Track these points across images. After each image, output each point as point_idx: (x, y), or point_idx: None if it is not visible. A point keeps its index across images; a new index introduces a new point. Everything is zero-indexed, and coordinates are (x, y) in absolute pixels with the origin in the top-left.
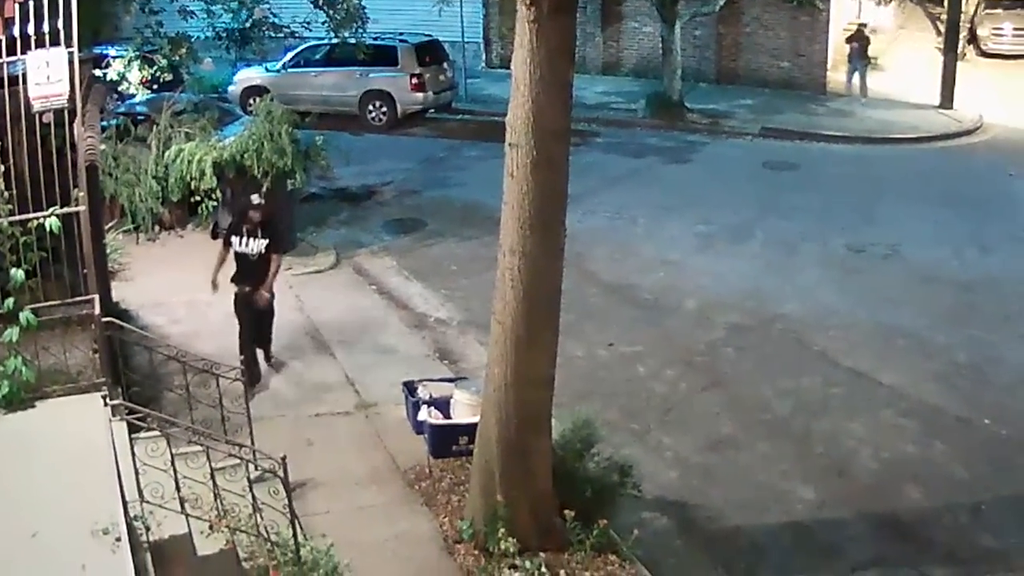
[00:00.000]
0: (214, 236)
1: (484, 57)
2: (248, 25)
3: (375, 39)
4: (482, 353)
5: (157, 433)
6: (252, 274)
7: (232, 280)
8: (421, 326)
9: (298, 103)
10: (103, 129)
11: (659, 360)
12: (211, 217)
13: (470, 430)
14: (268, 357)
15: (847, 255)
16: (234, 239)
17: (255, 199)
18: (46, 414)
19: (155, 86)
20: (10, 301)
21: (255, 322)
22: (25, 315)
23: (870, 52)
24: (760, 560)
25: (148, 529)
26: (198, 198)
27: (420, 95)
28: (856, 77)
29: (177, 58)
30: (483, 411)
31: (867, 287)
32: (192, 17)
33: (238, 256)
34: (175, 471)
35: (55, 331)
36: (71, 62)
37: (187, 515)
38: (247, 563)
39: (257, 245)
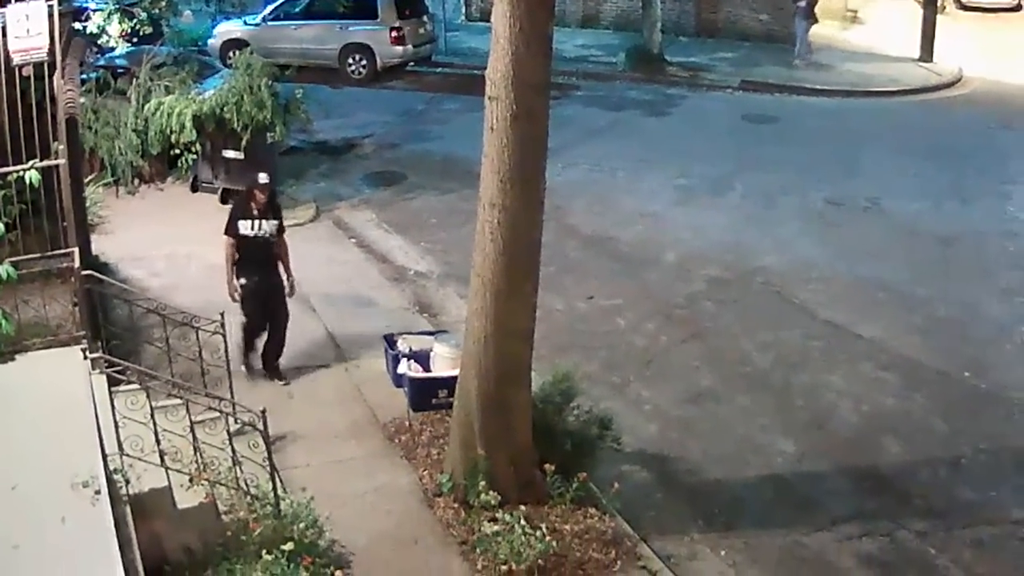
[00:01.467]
0: (194, 189)
1: (464, 10)
2: None
3: None
4: (462, 306)
5: (137, 386)
6: (264, 261)
7: (239, 271)
8: (401, 279)
9: (278, 56)
10: (83, 82)
11: (639, 313)
12: (191, 170)
13: (450, 383)
14: (276, 368)
15: (827, 208)
16: (242, 224)
17: (262, 178)
18: (25, 367)
19: (135, 39)
20: None
21: (268, 318)
22: (4, 268)
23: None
24: (740, 513)
25: (128, 482)
26: (178, 151)
27: (400, 48)
28: (801, 32)
29: (157, 11)
30: (463, 364)
31: (847, 240)
32: None
33: (247, 243)
34: (155, 424)
35: (34, 284)
36: (51, 15)
37: (167, 468)
38: (227, 516)
39: (269, 227)
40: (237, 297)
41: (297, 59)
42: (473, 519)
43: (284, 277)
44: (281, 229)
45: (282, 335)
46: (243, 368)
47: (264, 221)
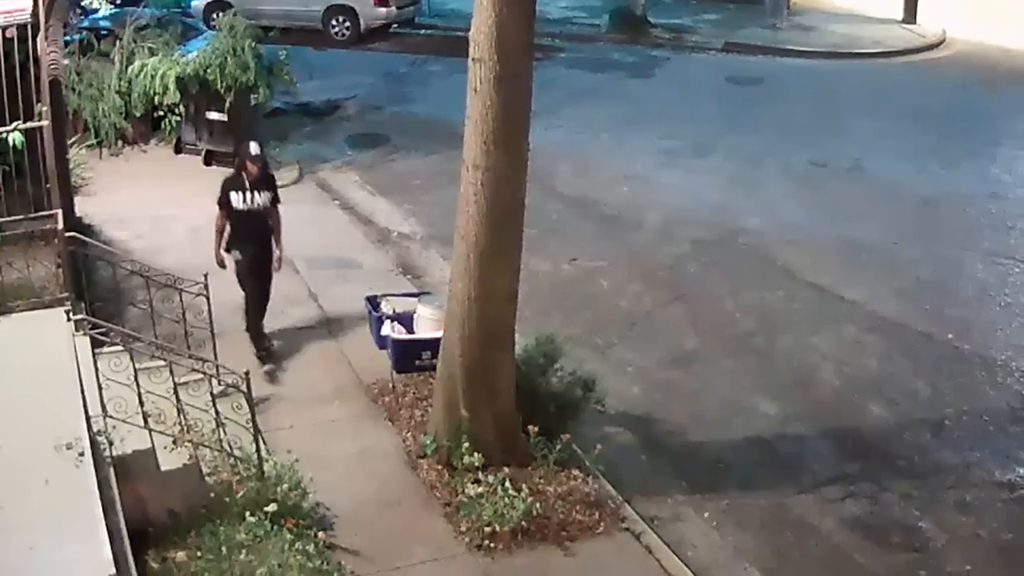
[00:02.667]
0: (177, 151)
1: None
2: None
3: None
4: (445, 268)
5: (120, 348)
6: (258, 234)
7: (230, 246)
8: (384, 241)
9: (261, 18)
10: (66, 44)
11: (622, 275)
12: (174, 132)
13: (433, 345)
14: (262, 341)
15: (810, 170)
16: (234, 196)
17: (253, 148)
18: (9, 329)
19: (118, 1)
20: None
21: (262, 290)
22: None
23: None
24: (723, 475)
25: (111, 444)
26: (161, 113)
27: (383, 10)
28: None
29: None
30: (446, 326)
31: (830, 202)
32: None
33: (240, 216)
34: (138, 386)
35: (18, 246)
36: None
37: (150, 430)
38: (210, 478)
39: (263, 198)
40: (227, 267)
41: (281, 21)
42: (457, 481)
43: (274, 250)
44: (276, 200)
45: (266, 301)
46: (258, 357)
47: (257, 193)
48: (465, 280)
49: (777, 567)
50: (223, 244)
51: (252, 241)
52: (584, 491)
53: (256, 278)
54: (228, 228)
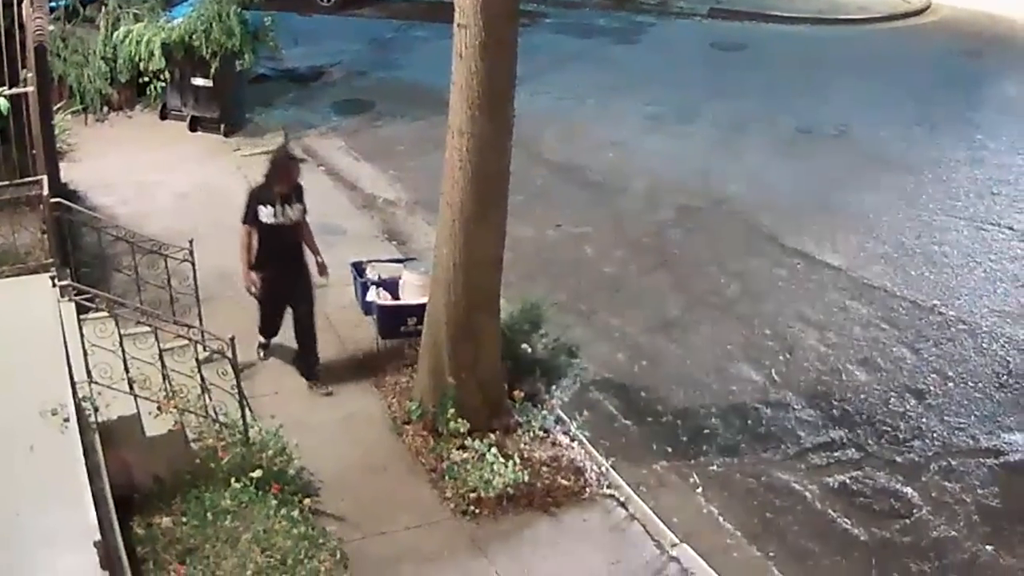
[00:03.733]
0: (163, 117)
1: None
2: None
3: None
4: (430, 234)
5: (105, 314)
6: (288, 250)
7: (258, 264)
8: (370, 206)
9: None
10: (51, 10)
11: (607, 241)
12: (160, 98)
13: (418, 311)
14: (313, 367)
15: (795, 136)
16: (264, 211)
17: (290, 156)
18: None
19: None
20: None
21: (306, 307)
22: None
23: None
24: (708, 442)
25: (96, 410)
26: (147, 79)
27: None
28: None
29: None
30: (432, 292)
31: (815, 168)
32: None
33: (269, 231)
34: (123, 352)
35: (3, 212)
36: None
37: (135, 396)
38: (195, 444)
39: (294, 212)
40: (255, 290)
41: None
42: (442, 447)
43: (315, 259)
44: (305, 211)
45: (310, 329)
46: (258, 351)
47: (287, 206)
48: (450, 246)
49: (761, 533)
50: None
51: (280, 258)
52: (569, 457)
53: (279, 297)
54: (255, 244)
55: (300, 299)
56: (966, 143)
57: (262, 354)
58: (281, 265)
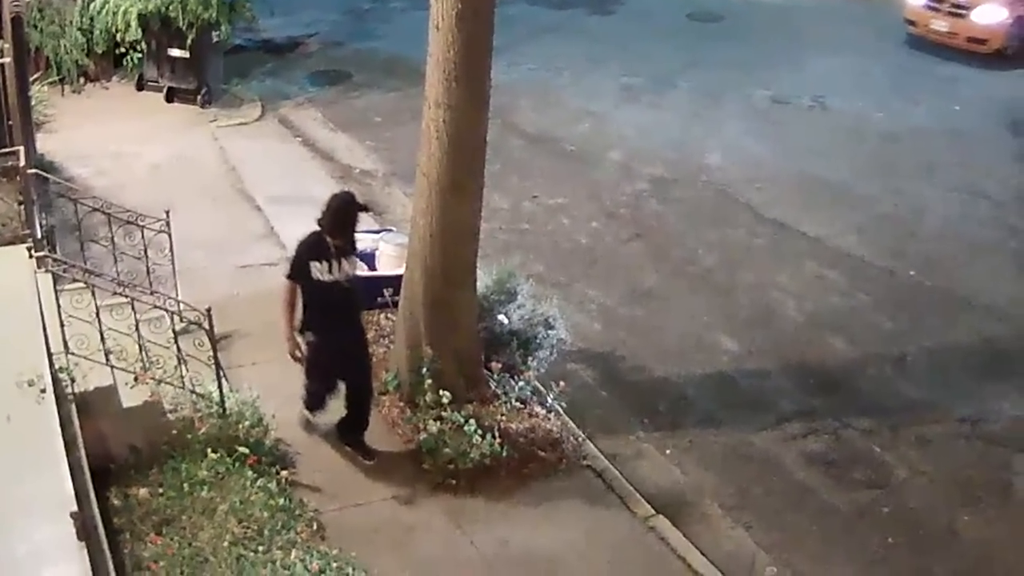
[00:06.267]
0: (139, 88)
1: None
2: None
3: None
4: (407, 205)
5: (82, 285)
6: (345, 310)
7: (309, 327)
8: (346, 177)
9: None
10: None
11: (584, 212)
12: (136, 69)
13: (395, 282)
14: (360, 442)
15: (771, 107)
16: (317, 267)
17: (348, 199)
18: None
19: None
20: None
21: (362, 380)
22: None
23: None
24: (685, 412)
25: (73, 381)
26: (123, 50)
27: None
28: None
29: None
30: (408, 263)
31: (791, 138)
32: None
33: (321, 288)
34: (100, 323)
35: None
36: None
37: (112, 367)
38: (172, 415)
39: (352, 265)
40: (300, 355)
41: None
42: (419, 417)
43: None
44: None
45: (365, 403)
46: (304, 419)
47: (344, 260)
48: (427, 217)
49: (739, 503)
50: (295, 323)
51: (335, 320)
52: (546, 428)
53: (331, 365)
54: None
55: (357, 371)
56: (942, 113)
57: (306, 425)
58: (336, 325)
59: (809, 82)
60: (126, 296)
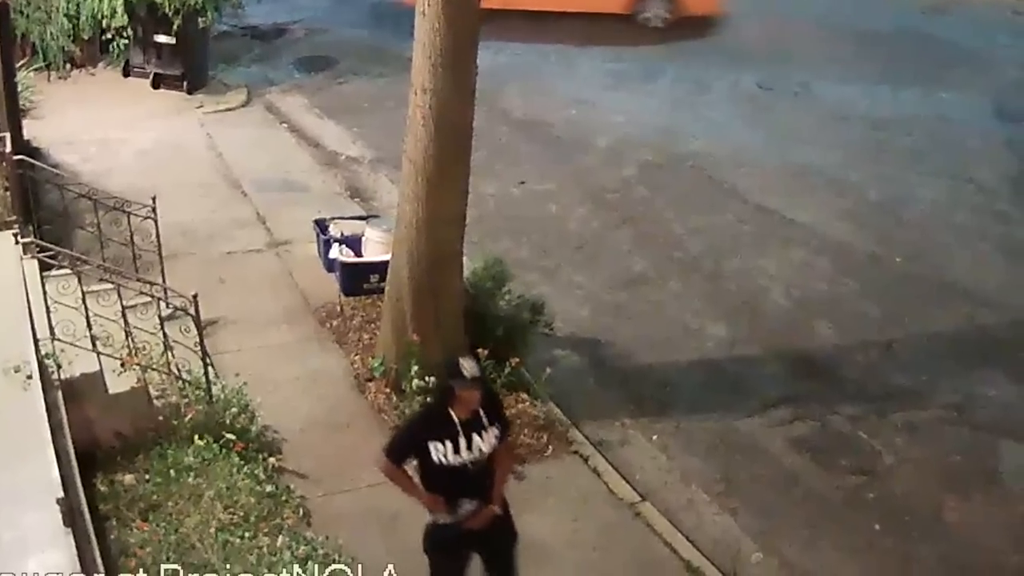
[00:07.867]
0: (125, 74)
1: None
2: None
3: None
4: (393, 191)
5: (68, 271)
6: (476, 490)
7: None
8: (332, 164)
9: None
10: None
11: (571, 198)
12: (123, 55)
13: (381, 268)
14: None
15: (758, 93)
16: (437, 448)
17: (469, 369)
18: None
19: None
20: None
21: (483, 558)
22: None
23: None
24: (671, 398)
25: (59, 367)
26: (109, 36)
27: None
28: None
29: None
30: (394, 249)
31: (778, 125)
32: None
33: (442, 472)
34: (86, 309)
35: None
36: None
37: (98, 353)
38: (159, 401)
39: (488, 439)
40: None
41: None
42: (405, 403)
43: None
44: (505, 432)
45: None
46: None
47: (477, 435)
48: (413, 203)
49: (725, 490)
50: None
51: (467, 500)
52: (532, 414)
53: (460, 551)
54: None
55: (498, 544)
56: (929, 99)
57: None
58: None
59: (795, 68)
60: (112, 282)
